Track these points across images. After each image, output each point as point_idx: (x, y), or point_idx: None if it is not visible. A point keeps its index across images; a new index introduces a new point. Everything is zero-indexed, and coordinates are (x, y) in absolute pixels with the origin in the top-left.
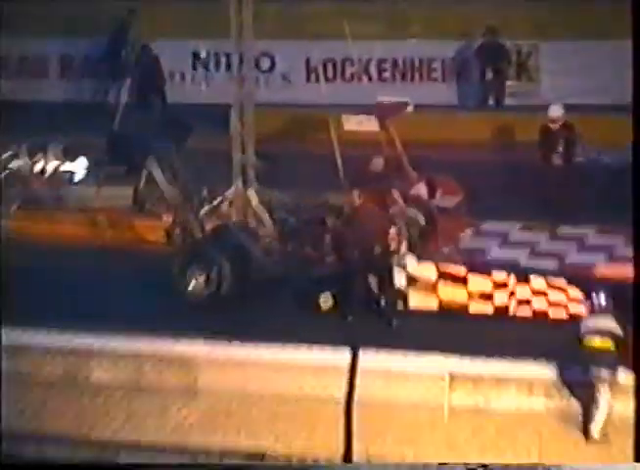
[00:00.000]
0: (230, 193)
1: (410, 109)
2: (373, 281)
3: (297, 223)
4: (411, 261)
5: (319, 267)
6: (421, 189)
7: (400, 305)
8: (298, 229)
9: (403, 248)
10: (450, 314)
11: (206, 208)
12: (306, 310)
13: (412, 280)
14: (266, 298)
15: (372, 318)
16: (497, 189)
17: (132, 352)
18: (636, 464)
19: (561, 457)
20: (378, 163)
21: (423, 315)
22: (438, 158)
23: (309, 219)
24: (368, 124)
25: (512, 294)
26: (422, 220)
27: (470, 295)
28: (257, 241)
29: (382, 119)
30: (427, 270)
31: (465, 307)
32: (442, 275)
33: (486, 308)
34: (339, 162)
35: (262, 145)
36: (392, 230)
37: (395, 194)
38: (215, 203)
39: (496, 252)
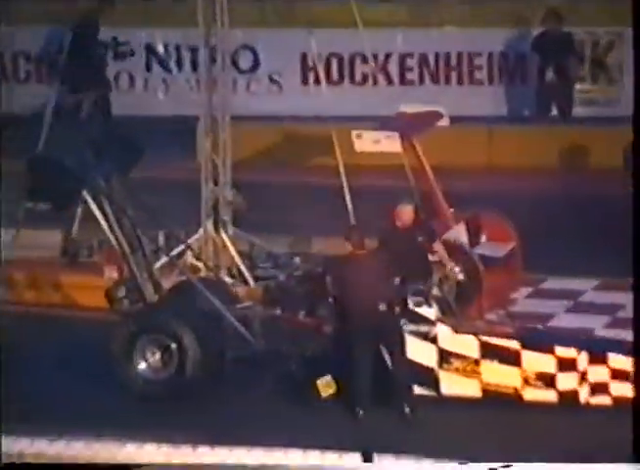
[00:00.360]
0: (197, 239)
1: (444, 122)
2: (389, 358)
3: (286, 281)
4: (444, 331)
5: (317, 341)
6: (459, 233)
7: (428, 391)
8: (289, 289)
9: (432, 311)
10: (497, 403)
11: (164, 259)
12: (301, 400)
13: (446, 357)
14: (246, 383)
15: (391, 410)
16: (564, 232)
17: (59, 458)
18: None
19: None
20: (405, 212)
21: (460, 404)
22: (483, 189)
23: (304, 276)
24: (387, 144)
25: (583, 376)
26: (460, 275)
27: (525, 377)
28: (234, 305)
29: (406, 137)
30: (466, 344)
31: (517, 394)
32: (488, 350)
33: (548, 395)
34: (346, 196)
35: (242, 173)
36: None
37: (424, 239)
38: (176, 252)
39: (562, 318)
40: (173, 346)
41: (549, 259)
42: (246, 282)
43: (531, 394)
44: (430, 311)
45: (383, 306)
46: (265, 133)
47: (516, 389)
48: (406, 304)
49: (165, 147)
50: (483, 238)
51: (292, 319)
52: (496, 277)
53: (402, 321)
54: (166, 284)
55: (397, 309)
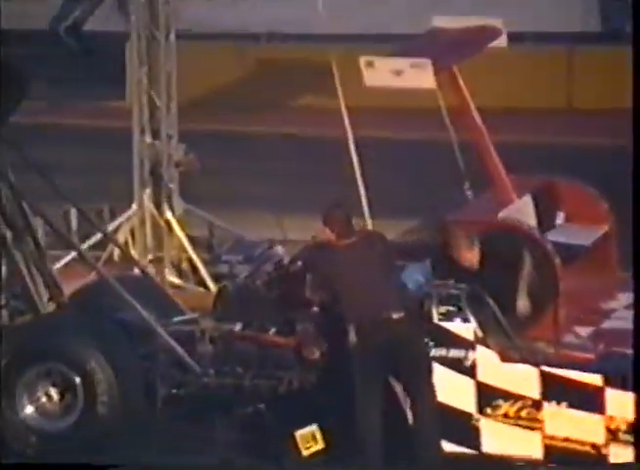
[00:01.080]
0: (128, 218)
1: (500, 42)
2: (400, 391)
3: (250, 283)
4: (488, 358)
5: (295, 369)
6: (523, 210)
7: (463, 447)
8: (254, 294)
9: (470, 328)
10: (568, 467)
11: (71, 254)
12: (271, 460)
13: (489, 397)
14: (188, 435)
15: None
16: None
17: None
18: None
19: None
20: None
21: (511, 468)
22: (560, 144)
23: (275, 275)
24: (413, 76)
25: None
26: (527, 271)
27: (612, 429)
28: (172, 317)
29: (442, 65)
30: (522, 378)
31: (599, 454)
32: (554, 388)
33: None
34: (352, 154)
35: (195, 120)
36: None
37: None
38: (93, 241)
39: None
40: (77, 380)
41: None
42: (201, 283)
43: (621, 454)
44: (466, 328)
45: (396, 314)
46: (229, 59)
47: (596, 446)
48: (430, 315)
49: (81, 82)
50: (561, 218)
51: (258, 338)
52: (580, 276)
53: (425, 340)
54: (69, 288)
55: (417, 321)
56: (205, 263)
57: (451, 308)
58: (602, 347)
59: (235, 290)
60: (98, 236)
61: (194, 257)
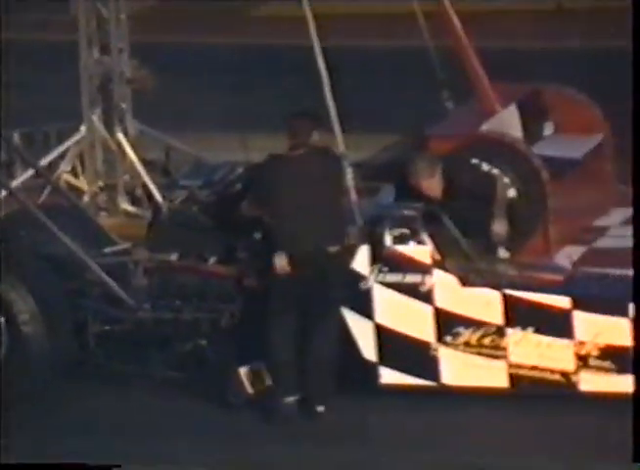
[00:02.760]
0: (77, 142)
1: None
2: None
3: (186, 207)
4: (446, 283)
5: (237, 302)
6: (508, 120)
7: (422, 378)
8: (191, 220)
9: (426, 251)
10: (535, 399)
11: (17, 180)
12: (213, 399)
13: (449, 324)
14: (124, 375)
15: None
16: None
17: None
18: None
19: None
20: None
21: (474, 400)
22: (549, 48)
23: (214, 197)
24: None
25: None
26: (510, 189)
27: (581, 355)
28: (103, 247)
29: None
30: (483, 302)
31: (569, 383)
32: (518, 313)
33: (620, 384)
34: (319, 60)
35: (148, 31)
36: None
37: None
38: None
39: None
40: (0, 319)
41: None
42: (157, 211)
43: (591, 380)
44: (422, 251)
45: (332, 247)
46: None
47: (565, 373)
48: (382, 239)
49: None
50: (549, 128)
51: (196, 268)
52: (571, 191)
53: (372, 268)
54: None
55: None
56: (162, 189)
57: (405, 231)
58: (578, 269)
59: (170, 216)
60: (48, 159)
61: (149, 182)
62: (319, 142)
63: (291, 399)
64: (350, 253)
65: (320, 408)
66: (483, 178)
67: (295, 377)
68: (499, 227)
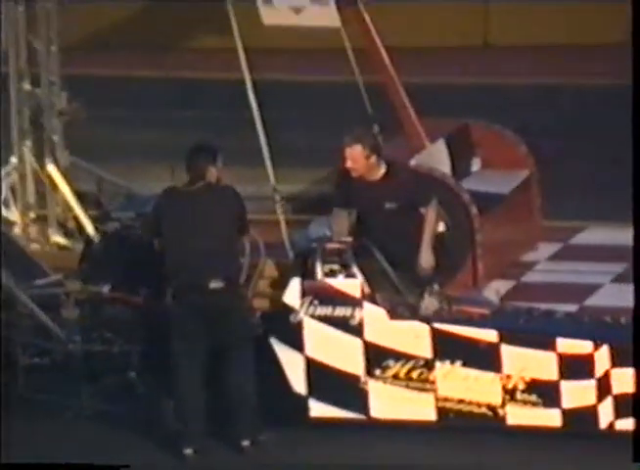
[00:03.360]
0: (7, 173)
1: None
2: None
3: (121, 234)
4: (376, 316)
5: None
6: (436, 156)
7: (351, 411)
8: (126, 248)
9: (356, 284)
10: (462, 431)
11: None
12: (146, 426)
13: (378, 357)
14: (53, 408)
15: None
16: (608, 149)
17: None
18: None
19: None
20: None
21: (402, 433)
22: (475, 85)
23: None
24: (315, 13)
25: (603, 384)
26: (439, 224)
27: (509, 389)
28: (35, 279)
29: (347, 1)
30: (412, 336)
31: (496, 416)
32: (447, 346)
33: (546, 417)
34: (251, 99)
35: (79, 64)
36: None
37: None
38: None
39: (608, 292)
40: None
41: (588, 198)
42: (89, 243)
43: (519, 415)
44: (352, 284)
45: (215, 283)
46: None
47: (493, 407)
48: (314, 272)
49: None
50: (477, 164)
51: (128, 300)
52: (499, 226)
53: (304, 300)
54: None
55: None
56: (94, 221)
57: (335, 265)
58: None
59: (102, 248)
60: None
61: (81, 214)
62: (220, 178)
63: (189, 450)
64: (242, 289)
65: (245, 443)
66: (424, 181)
67: (200, 424)
68: (425, 261)
